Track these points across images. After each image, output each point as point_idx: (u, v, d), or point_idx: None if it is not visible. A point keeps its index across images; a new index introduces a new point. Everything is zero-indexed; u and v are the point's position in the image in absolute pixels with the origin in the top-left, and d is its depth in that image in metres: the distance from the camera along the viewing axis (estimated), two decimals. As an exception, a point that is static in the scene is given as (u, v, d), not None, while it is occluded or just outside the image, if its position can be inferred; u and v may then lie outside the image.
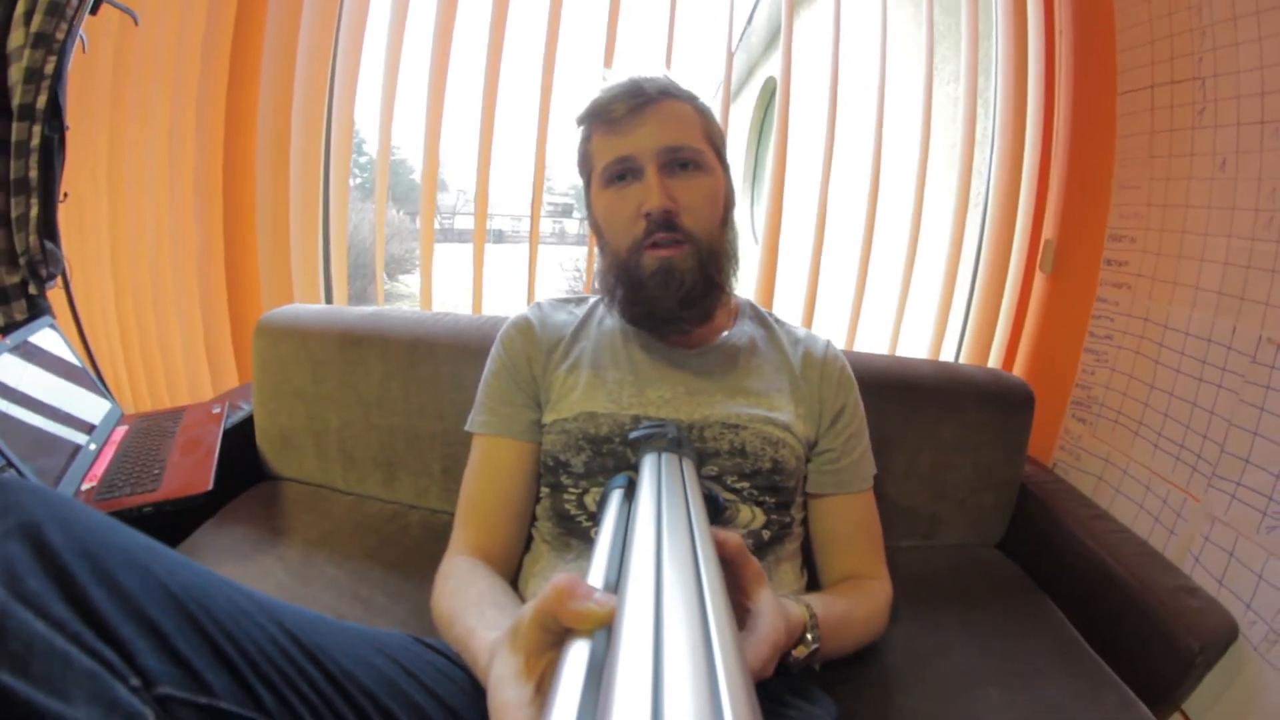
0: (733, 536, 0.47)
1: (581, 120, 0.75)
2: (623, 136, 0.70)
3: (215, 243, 1.43)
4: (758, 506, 0.74)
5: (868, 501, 0.82)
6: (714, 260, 0.73)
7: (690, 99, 0.74)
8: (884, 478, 1.05)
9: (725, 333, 0.82)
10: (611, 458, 0.73)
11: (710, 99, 0.79)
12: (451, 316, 1.20)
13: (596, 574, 0.35)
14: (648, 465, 0.46)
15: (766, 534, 0.74)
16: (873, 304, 1.86)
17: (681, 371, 0.77)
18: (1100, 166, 1.14)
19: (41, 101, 1.01)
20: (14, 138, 1.01)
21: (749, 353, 0.81)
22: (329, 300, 1.72)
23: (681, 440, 0.52)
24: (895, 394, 1.08)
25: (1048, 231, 1.32)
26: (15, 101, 1.00)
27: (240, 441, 1.22)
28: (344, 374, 1.16)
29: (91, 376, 1.15)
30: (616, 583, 0.29)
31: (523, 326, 0.82)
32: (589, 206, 0.78)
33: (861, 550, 0.80)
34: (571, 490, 0.75)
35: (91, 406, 1.10)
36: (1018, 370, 1.41)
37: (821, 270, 1.74)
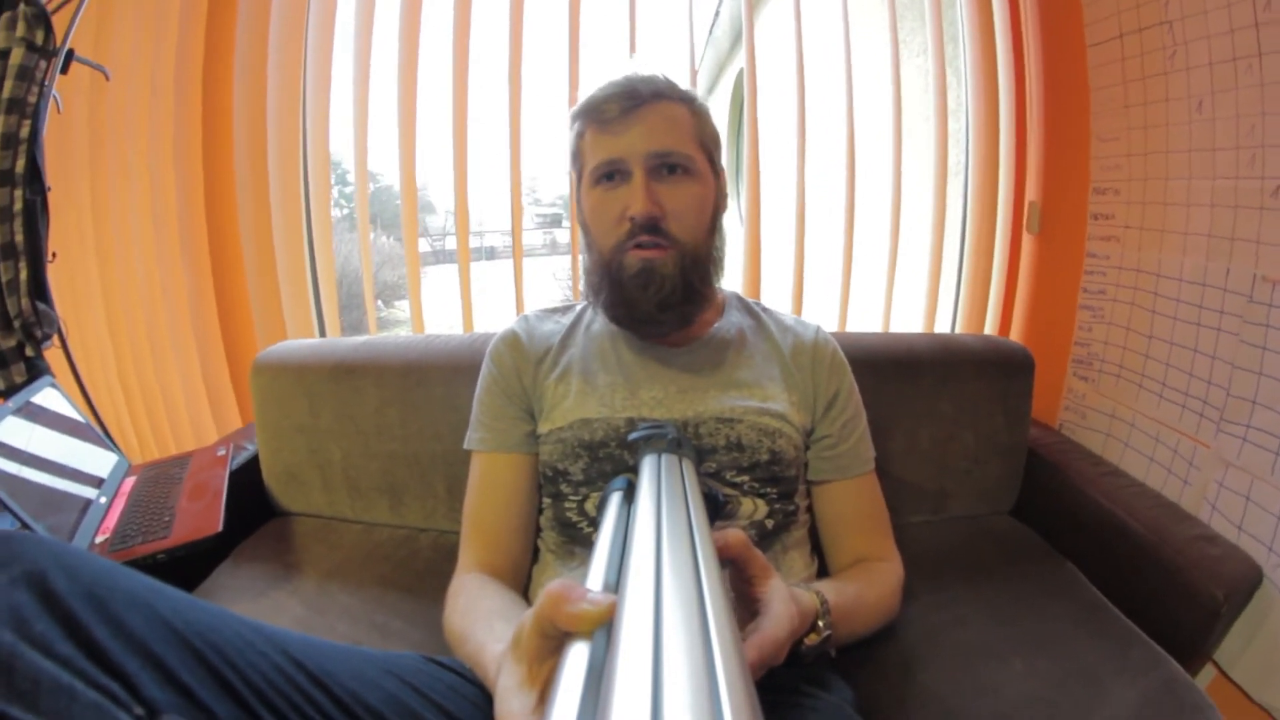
0: (734, 534, 0.47)
1: (576, 116, 0.74)
2: (613, 138, 0.70)
3: (205, 287, 1.44)
4: (759, 498, 0.74)
5: (870, 484, 0.81)
6: (696, 266, 0.72)
7: (687, 100, 0.74)
8: (886, 456, 1.03)
9: (713, 327, 0.82)
10: (609, 462, 0.73)
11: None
12: (442, 338, 1.20)
13: (596, 576, 0.34)
14: (647, 467, 0.46)
15: (770, 523, 0.74)
16: (862, 283, 1.85)
17: (672, 369, 0.77)
18: (1077, 122, 1.13)
19: (20, 166, 1.03)
20: None
21: (738, 344, 0.81)
22: (322, 333, 1.73)
23: (681, 441, 0.52)
24: (890, 371, 1.08)
25: (1031, 193, 1.31)
26: None
27: (248, 481, 1.22)
28: (341, 405, 1.16)
29: (96, 431, 1.16)
30: (616, 584, 0.29)
31: (510, 340, 0.83)
32: (578, 202, 0.78)
33: (868, 533, 0.80)
34: (572, 498, 0.75)
35: (99, 460, 1.11)
36: (1015, 335, 1.40)
37: (807, 254, 1.73)
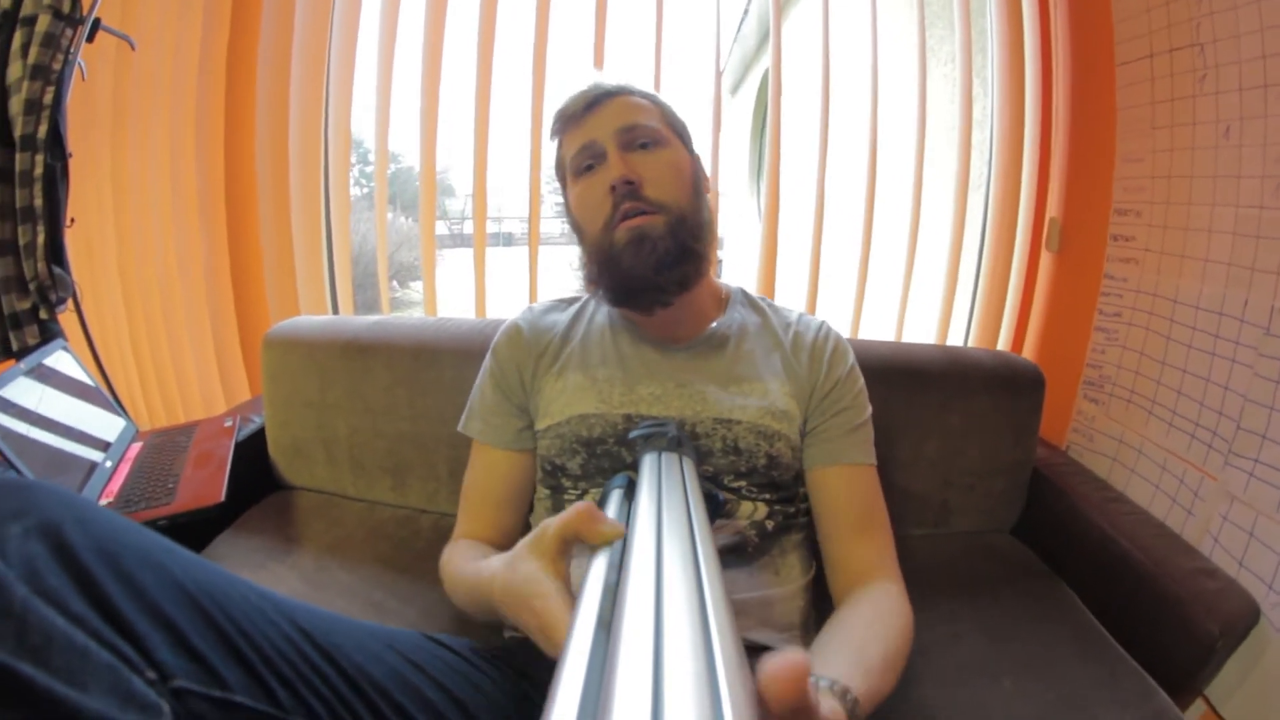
0: (795, 673, 0.30)
1: (553, 133, 0.79)
2: (583, 126, 0.74)
3: (221, 259, 1.45)
4: (759, 501, 0.73)
5: (867, 479, 0.77)
6: (686, 227, 0.72)
7: (648, 95, 0.77)
8: (891, 465, 1.03)
9: (714, 323, 0.81)
10: (606, 458, 0.73)
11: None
12: (454, 322, 1.20)
13: (596, 576, 0.34)
14: (647, 465, 0.46)
15: (770, 524, 0.73)
16: (877, 291, 1.84)
17: (671, 365, 0.77)
18: (1102, 141, 1.11)
19: (42, 131, 1.04)
20: (18, 168, 1.03)
21: (739, 339, 0.80)
22: (335, 310, 1.74)
23: (682, 439, 0.52)
24: (900, 381, 1.06)
25: (1052, 210, 1.29)
26: (17, 132, 1.03)
27: (253, 453, 1.24)
28: (351, 383, 1.17)
29: (105, 396, 1.18)
30: (616, 584, 0.29)
31: (512, 334, 0.84)
32: (567, 210, 0.80)
33: (868, 537, 0.74)
34: (571, 491, 0.75)
35: (107, 425, 1.12)
36: (1027, 353, 1.38)
37: (823, 259, 1.73)
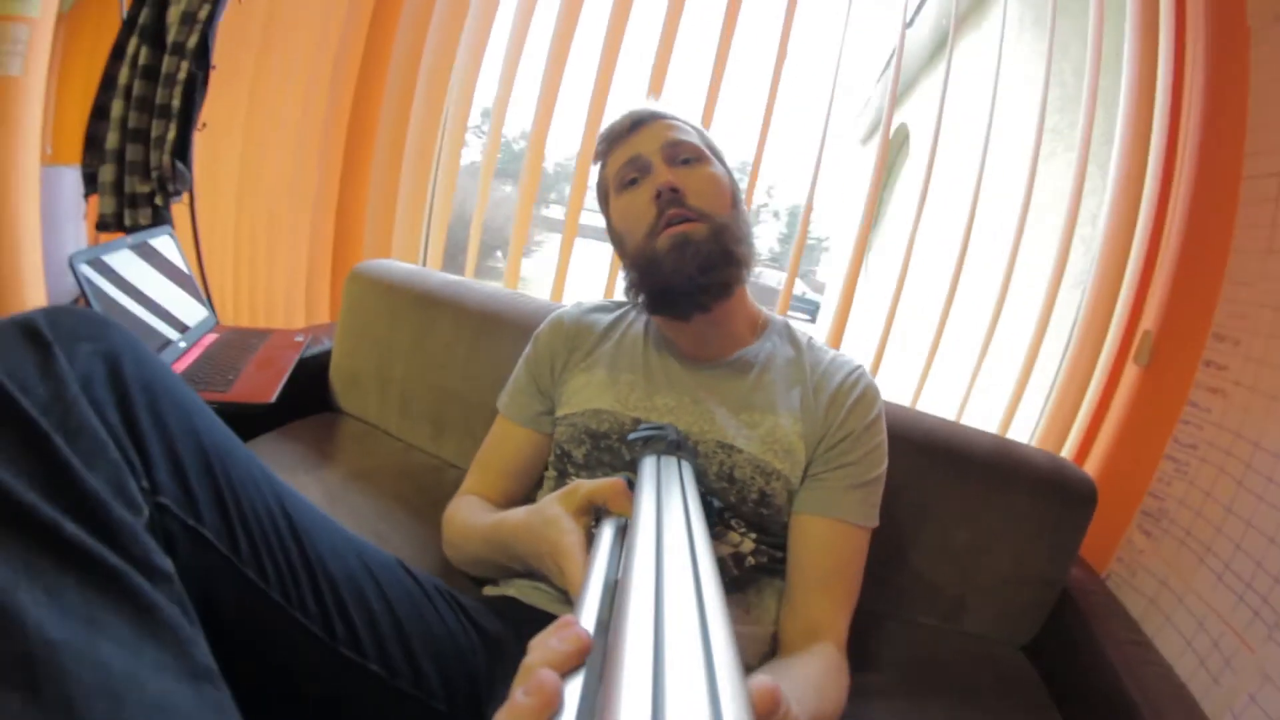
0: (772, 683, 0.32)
1: (597, 154, 0.83)
2: (629, 143, 0.78)
3: (331, 190, 1.58)
4: (747, 537, 0.73)
5: (851, 541, 0.73)
6: (728, 234, 0.74)
7: (687, 120, 0.81)
8: (914, 546, 0.99)
9: (746, 348, 0.82)
10: (608, 453, 0.76)
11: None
12: (526, 299, 1.25)
13: (597, 575, 0.35)
14: (647, 468, 0.47)
15: (753, 560, 0.72)
16: (949, 366, 1.76)
17: (692, 381, 0.78)
18: (1213, 257, 1.03)
19: (192, 42, 1.19)
20: (164, 69, 1.19)
21: (763, 368, 0.80)
22: (424, 263, 1.84)
23: (681, 443, 0.53)
24: (942, 459, 1.01)
25: (1147, 321, 1.20)
26: (170, 38, 1.18)
27: (316, 372, 1.34)
28: (416, 331, 1.24)
29: (196, 285, 1.31)
30: (617, 584, 0.30)
31: (555, 325, 0.89)
32: (609, 228, 0.84)
33: (832, 598, 0.72)
34: (574, 478, 0.77)
35: (190, 310, 1.24)
36: (1089, 466, 1.28)
37: (906, 324, 1.67)
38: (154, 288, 1.14)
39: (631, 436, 0.56)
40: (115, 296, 1.02)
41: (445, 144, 1.65)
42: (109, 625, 0.31)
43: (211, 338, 1.26)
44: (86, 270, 0.99)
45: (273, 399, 1.07)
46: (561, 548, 0.51)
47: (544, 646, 0.26)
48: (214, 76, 1.24)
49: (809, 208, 1.85)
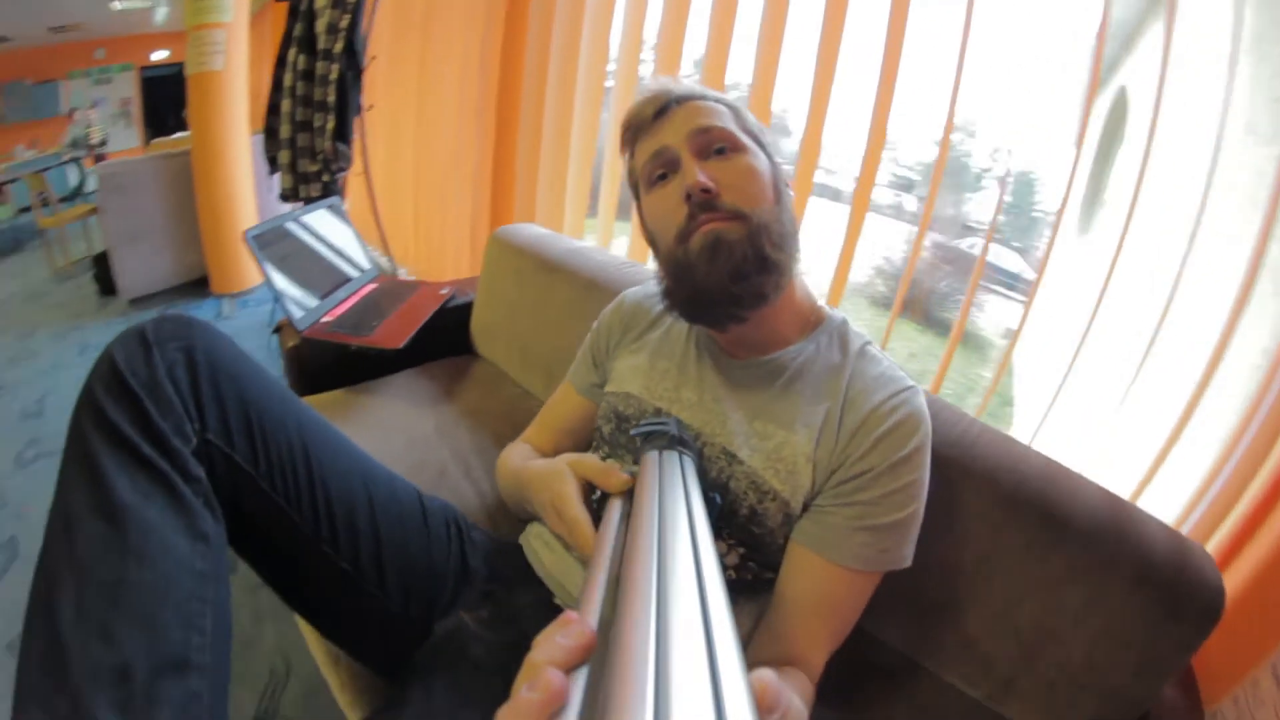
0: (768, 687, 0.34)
1: (622, 145, 0.77)
2: (655, 134, 0.71)
3: (486, 160, 1.77)
4: (735, 550, 0.69)
5: (850, 584, 0.65)
6: (766, 233, 0.66)
7: (720, 99, 0.72)
8: (970, 605, 0.83)
9: (785, 349, 0.74)
10: (624, 435, 0.78)
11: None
12: (636, 267, 1.30)
13: (599, 573, 0.35)
14: (649, 464, 0.47)
15: (733, 574, 0.68)
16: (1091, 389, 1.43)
17: (719, 379, 0.75)
18: None
19: (338, 47, 1.47)
20: (318, 71, 1.50)
21: (795, 375, 0.72)
22: (565, 227, 1.97)
23: (683, 438, 0.52)
24: (1030, 511, 0.80)
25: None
26: (319, 46, 1.46)
27: (463, 319, 1.54)
28: (538, 293, 1.36)
29: (357, 243, 1.56)
30: (619, 580, 0.30)
31: (618, 304, 0.91)
32: (641, 223, 0.78)
33: (814, 635, 0.66)
34: (603, 450, 0.82)
35: (353, 265, 1.50)
36: (1234, 571, 0.91)
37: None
38: (324, 245, 1.40)
39: (634, 431, 0.56)
40: (312, 245, 1.29)
41: (579, 117, 1.74)
42: (155, 500, 0.55)
43: (370, 288, 1.51)
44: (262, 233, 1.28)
45: (401, 345, 1.25)
46: (562, 495, 0.57)
47: (548, 643, 0.27)
48: (387, 63, 1.49)
49: (1004, 178, 1.56)
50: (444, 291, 1.54)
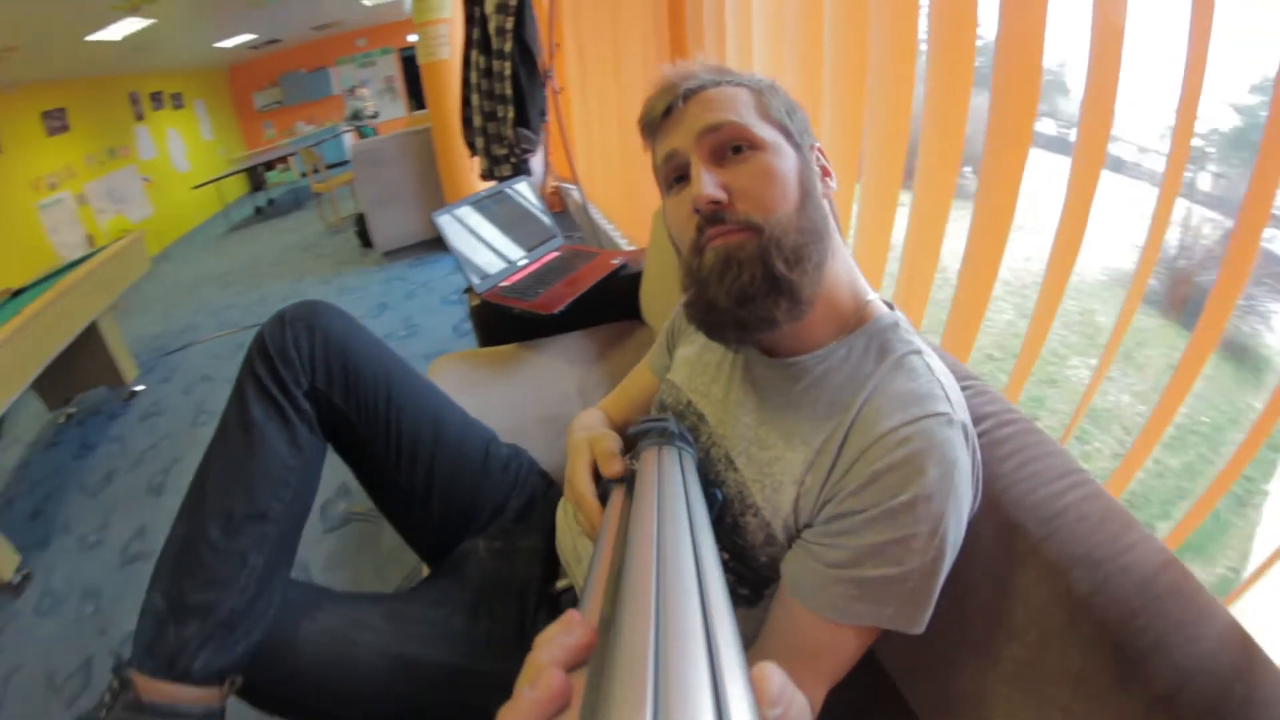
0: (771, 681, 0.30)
1: (644, 141, 0.71)
2: (665, 135, 0.66)
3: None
4: (721, 552, 0.65)
5: (827, 633, 0.57)
6: (779, 248, 0.58)
7: (742, 82, 0.65)
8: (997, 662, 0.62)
9: (816, 351, 0.65)
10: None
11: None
12: None
13: (599, 572, 0.35)
14: (648, 460, 0.47)
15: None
16: None
17: (747, 378, 0.71)
18: None
19: (507, 47, 1.71)
20: (494, 69, 1.77)
21: (814, 383, 0.64)
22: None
23: (682, 434, 0.52)
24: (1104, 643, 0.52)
25: None
26: (494, 46, 1.74)
27: (635, 287, 1.64)
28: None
29: (543, 217, 1.71)
30: (620, 577, 0.30)
31: None
32: (666, 226, 0.73)
33: (792, 672, 0.49)
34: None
35: (538, 235, 1.66)
36: None
37: None
38: (514, 218, 1.61)
39: (632, 431, 0.56)
40: (511, 209, 1.56)
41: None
42: (274, 421, 0.80)
43: (551, 255, 1.65)
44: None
45: (556, 311, 1.36)
46: (576, 469, 0.64)
47: (549, 642, 0.27)
48: (586, 52, 1.62)
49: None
50: (615, 261, 1.62)
